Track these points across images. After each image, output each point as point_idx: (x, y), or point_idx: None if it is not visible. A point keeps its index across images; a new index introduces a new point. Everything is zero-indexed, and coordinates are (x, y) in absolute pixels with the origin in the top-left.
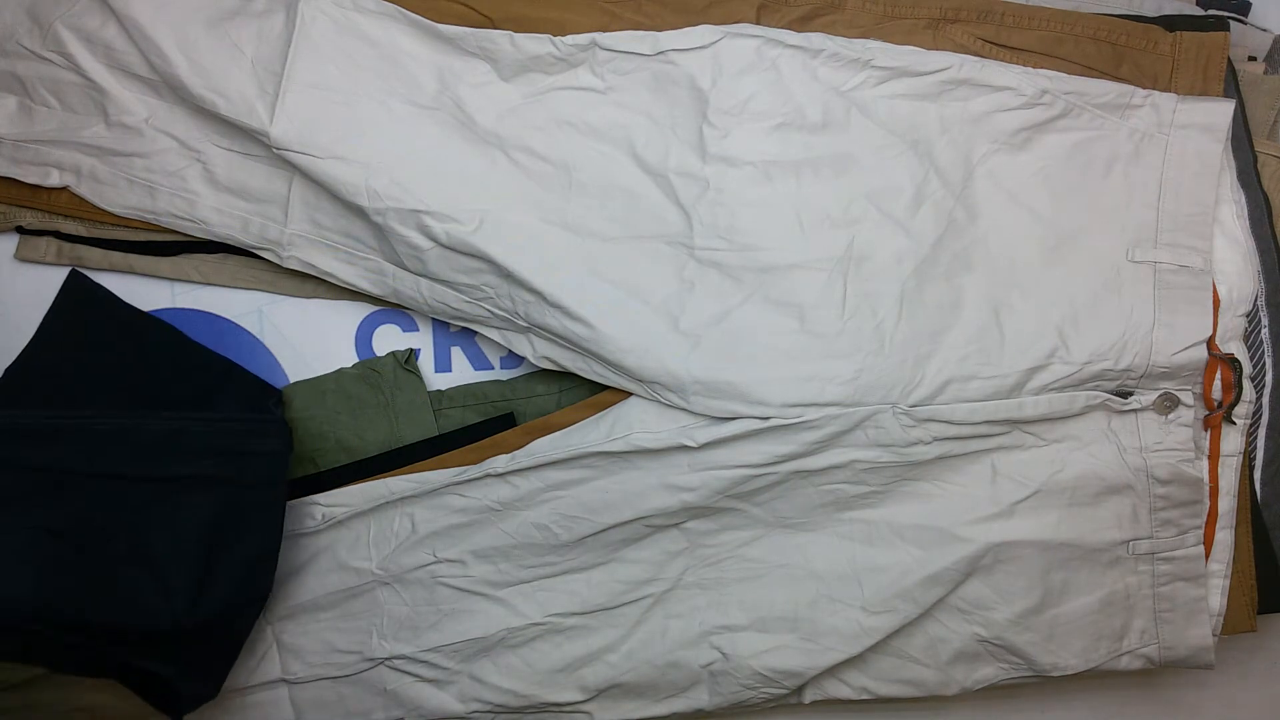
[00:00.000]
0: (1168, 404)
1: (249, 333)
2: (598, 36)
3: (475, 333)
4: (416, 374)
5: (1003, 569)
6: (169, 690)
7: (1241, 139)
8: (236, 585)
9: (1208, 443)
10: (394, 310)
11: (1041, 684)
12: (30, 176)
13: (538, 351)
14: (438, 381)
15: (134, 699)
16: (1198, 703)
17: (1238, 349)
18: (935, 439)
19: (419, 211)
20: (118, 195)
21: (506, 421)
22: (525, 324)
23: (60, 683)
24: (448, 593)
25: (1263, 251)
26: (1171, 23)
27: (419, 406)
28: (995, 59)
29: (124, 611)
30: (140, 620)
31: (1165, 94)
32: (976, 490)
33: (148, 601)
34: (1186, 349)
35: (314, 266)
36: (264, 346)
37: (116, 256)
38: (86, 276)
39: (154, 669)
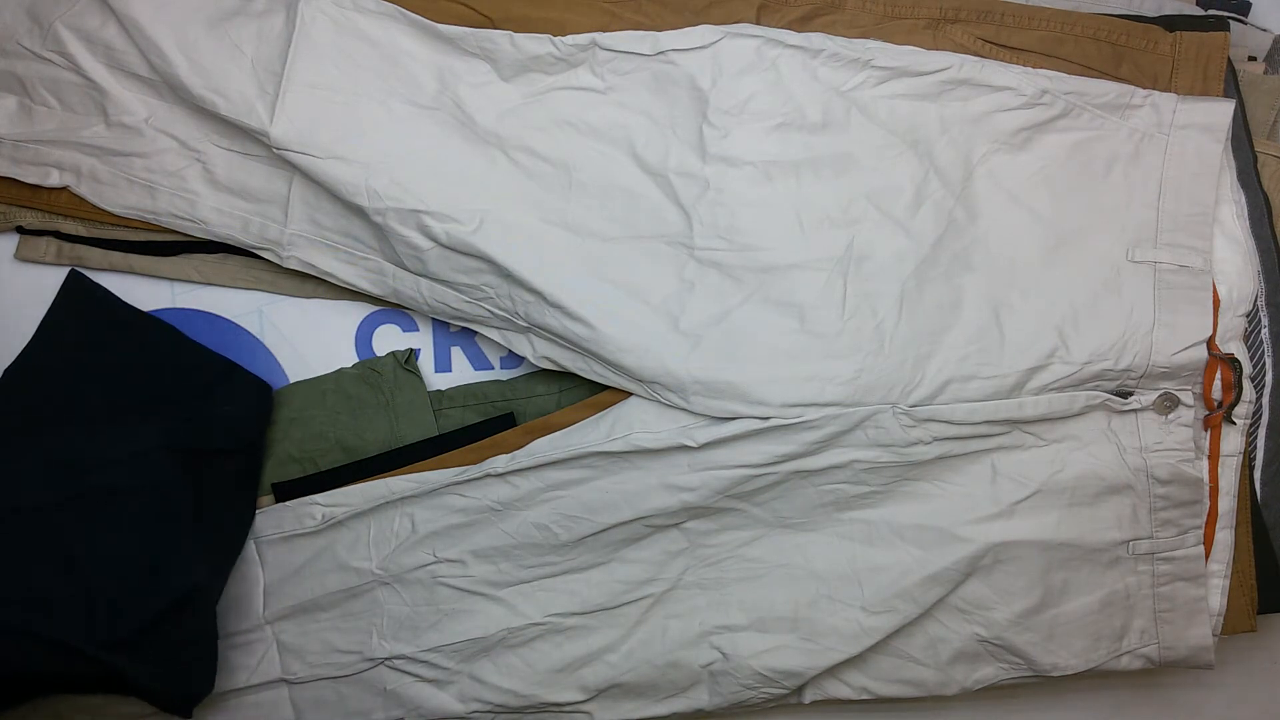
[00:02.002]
0: (1168, 404)
1: (249, 333)
2: (598, 36)
3: (475, 333)
4: (416, 374)
5: (1003, 569)
6: (165, 695)
7: (1241, 139)
8: (152, 593)
9: (1208, 443)
10: (394, 310)
11: (1041, 684)
12: (30, 176)
13: (538, 351)
14: (438, 381)
15: (134, 701)
16: (1198, 703)
17: (1238, 349)
18: (935, 439)
19: (419, 211)
20: (118, 195)
21: (506, 421)
22: (525, 324)
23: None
24: (448, 593)
25: (1263, 251)
26: (1171, 23)
27: (419, 406)
28: (995, 59)
29: (60, 628)
30: (76, 635)
31: (1165, 94)
32: (976, 490)
33: (77, 617)
34: (1186, 349)
35: (314, 266)
36: (264, 346)
37: (116, 256)
38: (86, 276)
39: (137, 678)
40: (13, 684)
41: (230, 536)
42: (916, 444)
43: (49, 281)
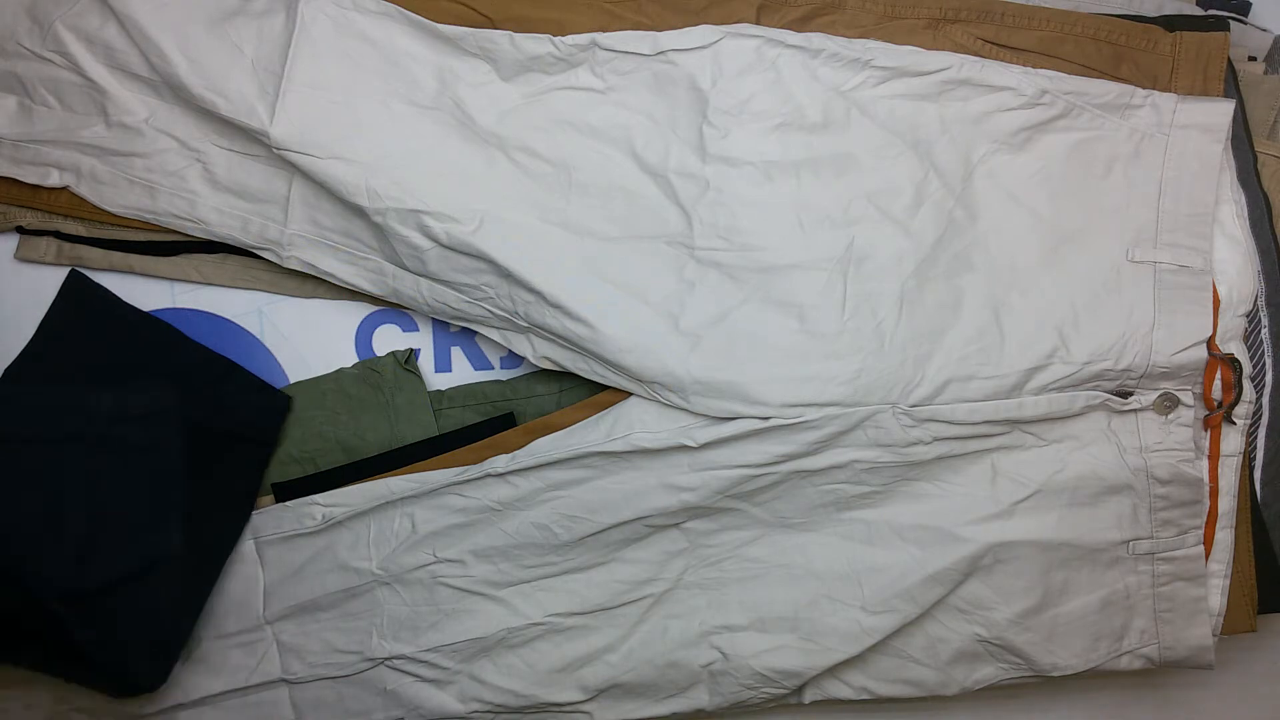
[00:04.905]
0: (1168, 404)
1: (249, 333)
2: (598, 36)
3: (475, 333)
4: (416, 374)
5: (1003, 569)
6: (107, 671)
7: (1241, 139)
8: (125, 549)
9: (1208, 443)
10: (394, 310)
11: (1041, 684)
12: (30, 176)
13: (538, 351)
14: (438, 381)
15: (135, 700)
16: (1198, 703)
17: (1238, 349)
18: (935, 439)
19: (419, 211)
20: (118, 195)
21: (506, 421)
22: (525, 324)
23: (59, 684)
24: (448, 593)
25: (1263, 251)
26: (1171, 23)
27: (419, 406)
28: (995, 59)
29: (24, 564)
30: (39, 576)
31: (1165, 94)
32: (976, 490)
33: (43, 560)
34: (1186, 349)
35: (314, 266)
36: (264, 346)
37: (116, 256)
38: (86, 276)
39: (82, 641)
40: None
41: (222, 528)
42: (916, 444)
43: (49, 281)
